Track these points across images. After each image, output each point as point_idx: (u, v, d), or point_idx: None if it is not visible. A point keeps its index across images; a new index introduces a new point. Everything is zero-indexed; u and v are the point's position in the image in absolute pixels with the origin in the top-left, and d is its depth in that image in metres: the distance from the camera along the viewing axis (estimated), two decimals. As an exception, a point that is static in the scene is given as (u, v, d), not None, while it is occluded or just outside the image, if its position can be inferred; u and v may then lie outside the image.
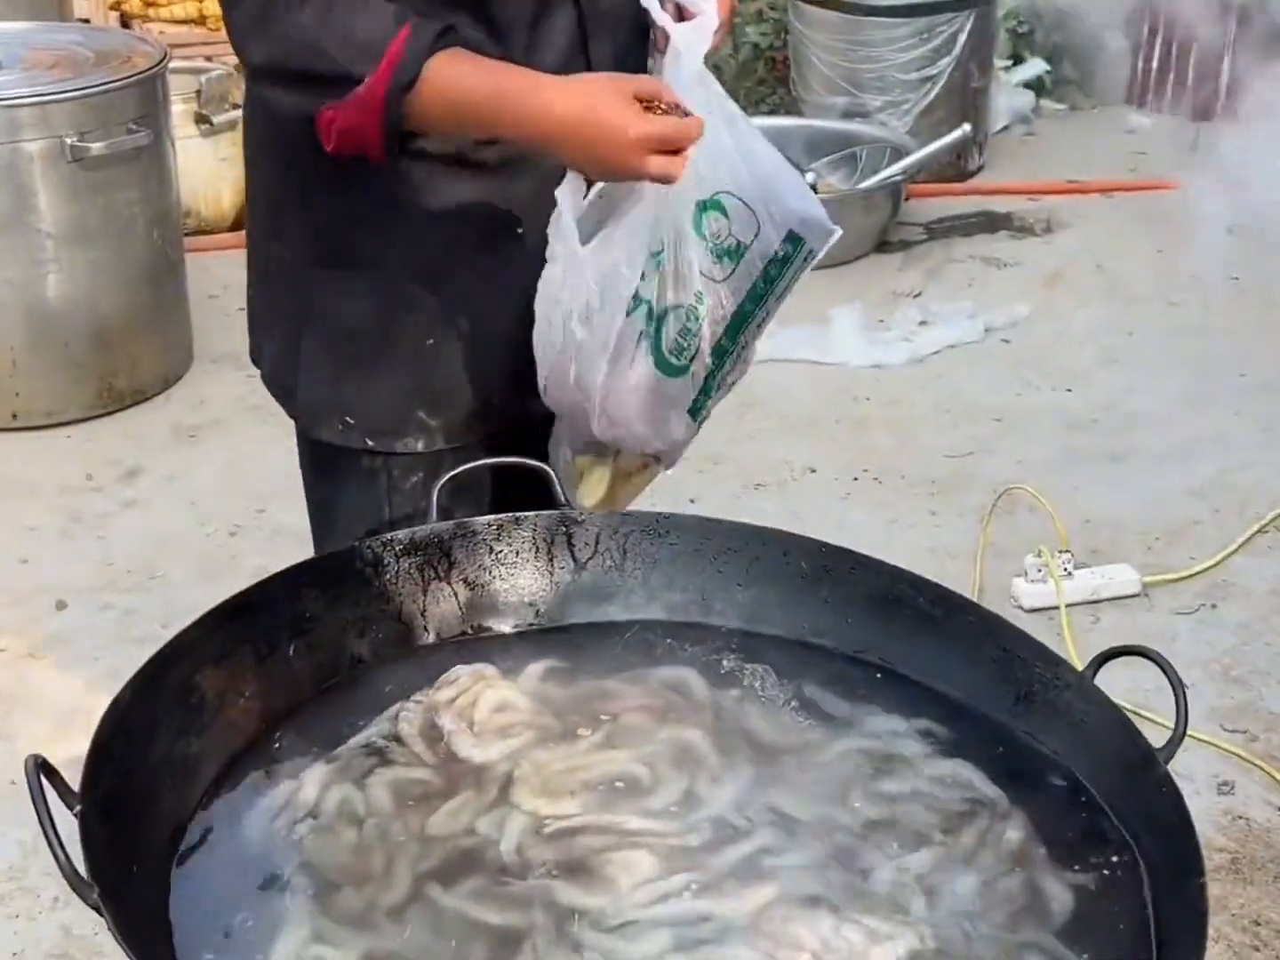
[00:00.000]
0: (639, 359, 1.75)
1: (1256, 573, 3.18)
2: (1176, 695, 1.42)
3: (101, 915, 1.19)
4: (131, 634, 3.07)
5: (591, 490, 1.92)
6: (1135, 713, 2.49)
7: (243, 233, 1.99)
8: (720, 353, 1.79)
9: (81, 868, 1.21)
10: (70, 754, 1.35)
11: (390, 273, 1.81)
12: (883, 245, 5.01)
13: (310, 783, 1.47)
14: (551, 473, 1.76)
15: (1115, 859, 1.39)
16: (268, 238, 1.88)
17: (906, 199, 5.13)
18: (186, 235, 4.35)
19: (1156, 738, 1.43)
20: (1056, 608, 3.00)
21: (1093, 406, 3.96)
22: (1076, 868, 1.39)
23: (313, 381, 1.87)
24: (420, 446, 1.86)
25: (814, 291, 4.66)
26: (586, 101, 1.58)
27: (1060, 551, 3.07)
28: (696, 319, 1.74)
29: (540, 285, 1.75)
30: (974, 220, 5.21)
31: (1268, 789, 2.56)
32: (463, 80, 1.59)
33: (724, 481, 3.68)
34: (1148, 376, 4.10)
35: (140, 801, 1.37)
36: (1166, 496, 3.50)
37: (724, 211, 1.69)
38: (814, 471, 3.72)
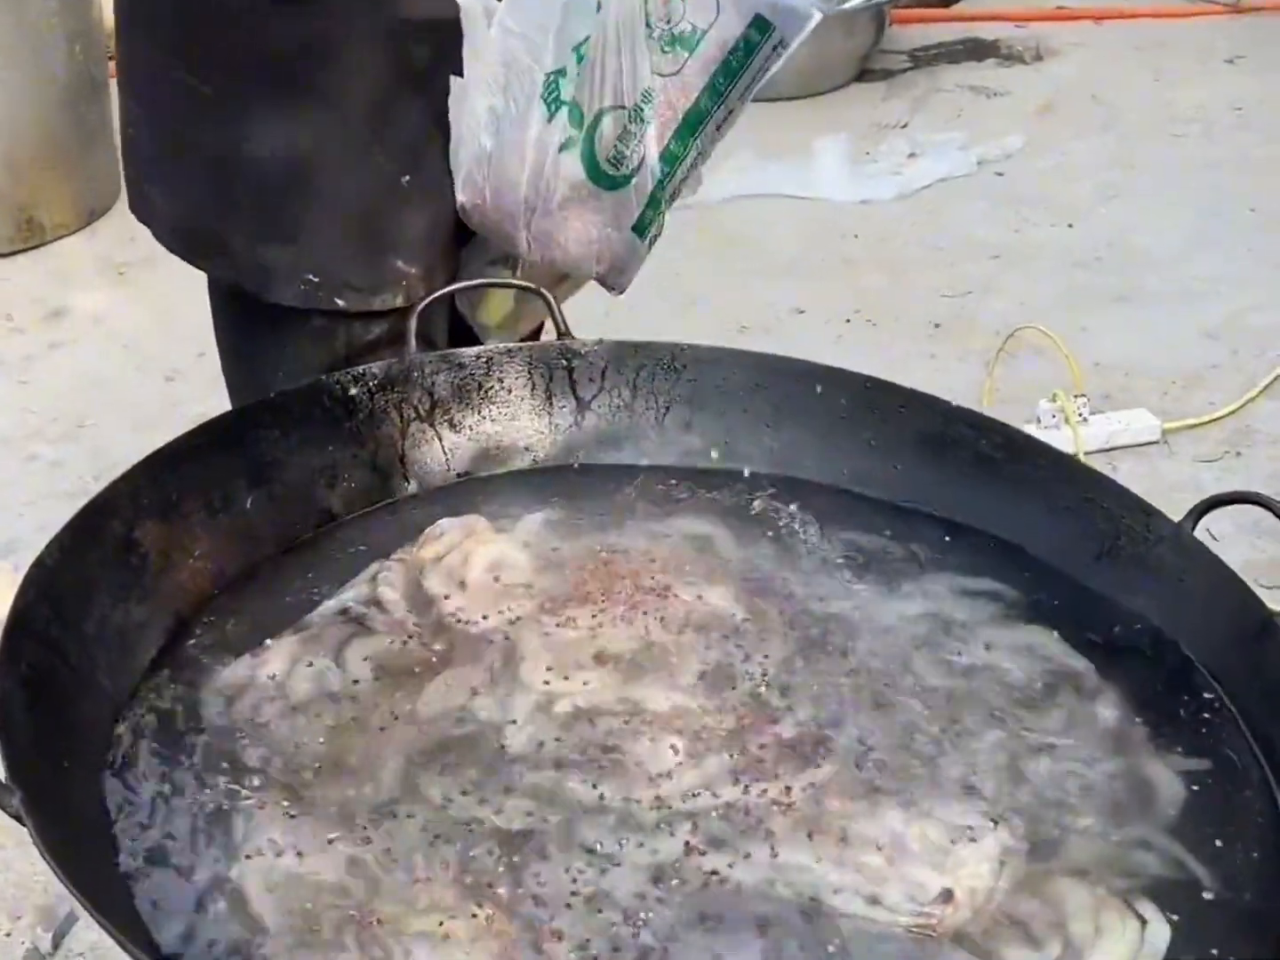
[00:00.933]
0: (565, 169, 1.49)
1: (1282, 418, 3.00)
2: (1301, 550, 1.21)
3: (24, 825, 0.99)
4: (60, 487, 2.87)
5: (495, 308, 1.68)
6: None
7: (119, 49, 1.67)
8: (670, 159, 1.52)
9: (-1, 767, 1.00)
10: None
11: (348, 102, 1.53)
12: (865, 74, 4.74)
13: (276, 657, 1.25)
14: (551, 297, 1.51)
15: (1230, 742, 1.18)
16: (175, 67, 1.56)
17: (889, 24, 4.84)
18: (112, 57, 4.01)
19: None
20: (1073, 455, 2.79)
21: (1096, 244, 3.74)
22: (1184, 751, 1.18)
23: (259, 236, 1.57)
24: (399, 301, 1.59)
25: (794, 122, 4.43)
26: None
27: (1076, 395, 2.86)
28: (640, 121, 1.47)
29: (452, 86, 1.49)
30: (960, 47, 4.94)
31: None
32: None
33: (705, 325, 3.44)
34: (1151, 212, 3.88)
35: (71, 682, 1.16)
36: (1180, 339, 3.30)
37: None
38: (802, 313, 3.49)
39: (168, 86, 1.57)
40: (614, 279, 1.61)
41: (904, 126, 4.39)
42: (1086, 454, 2.80)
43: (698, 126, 1.52)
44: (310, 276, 1.57)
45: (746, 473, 1.49)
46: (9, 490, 2.90)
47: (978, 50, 4.95)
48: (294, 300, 1.59)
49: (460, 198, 1.54)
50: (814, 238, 3.82)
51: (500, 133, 1.50)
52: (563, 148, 1.49)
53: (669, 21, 1.45)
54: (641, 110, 1.48)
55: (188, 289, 3.39)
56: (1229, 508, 1.34)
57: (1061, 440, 2.84)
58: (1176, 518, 1.32)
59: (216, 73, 1.54)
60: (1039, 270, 3.63)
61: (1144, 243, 3.74)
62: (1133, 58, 4.86)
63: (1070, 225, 3.84)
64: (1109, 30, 5.09)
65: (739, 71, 1.48)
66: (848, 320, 3.45)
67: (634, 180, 1.52)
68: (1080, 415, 2.85)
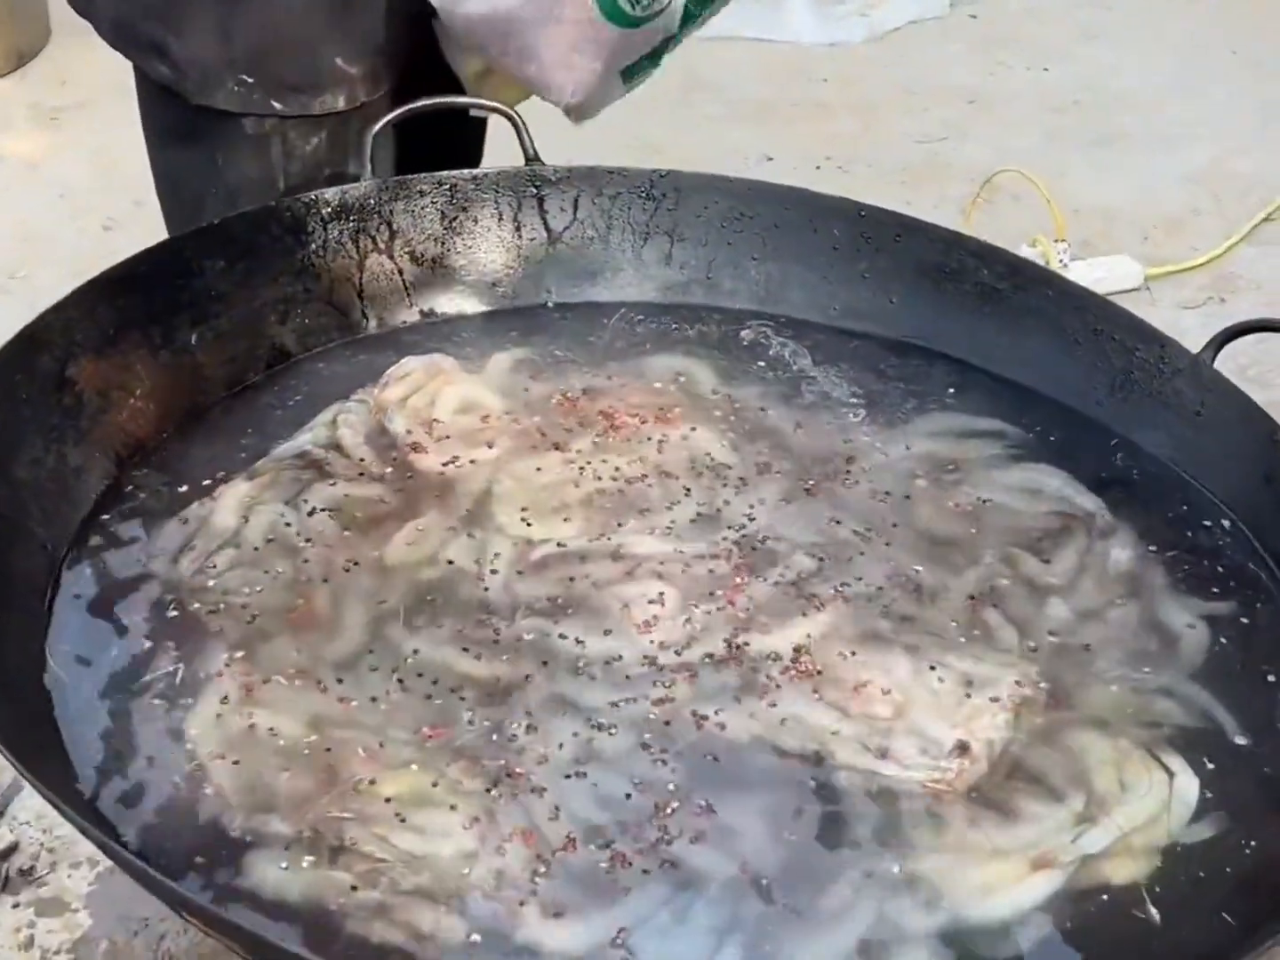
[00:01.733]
0: None
1: (1266, 262, 2.90)
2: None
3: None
4: (-6, 343, 2.69)
5: (499, 86, 1.51)
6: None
7: None
8: (688, 18, 1.42)
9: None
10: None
11: None
12: (832, -87, 4.53)
13: (228, 503, 1.15)
14: (517, 116, 1.39)
15: (1254, 585, 1.11)
16: None
17: None
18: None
19: None
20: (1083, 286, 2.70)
21: (1073, 87, 3.60)
22: (1205, 594, 1.11)
23: (192, 32, 1.44)
24: (341, 104, 1.46)
25: (761, -42, 4.25)
26: None
27: (1056, 240, 2.76)
28: None
29: None
30: (929, -116, 4.72)
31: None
32: None
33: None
34: (1130, 54, 3.75)
35: (2, 531, 1.04)
36: (1161, 183, 3.19)
37: None
38: (771, 160, 3.35)
39: None
40: (580, 112, 1.49)
41: (873, -34, 4.22)
42: (1067, 301, 2.71)
43: None
44: (244, 77, 1.44)
45: (732, 307, 1.39)
46: (-61, 344, 2.74)
47: (948, -114, 4.75)
48: (227, 103, 1.45)
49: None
50: (781, 82, 3.67)
51: None
52: None
53: None
54: None
55: (124, 134, 3.21)
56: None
57: (1042, 287, 2.75)
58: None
59: None
60: (1015, 114, 3.50)
61: (1122, 86, 3.61)
62: (1109, -105, 4.68)
63: (1046, 69, 3.70)
64: None
65: None
66: (818, 167, 3.32)
67: (649, 24, 1.40)
68: (1061, 260, 2.75)
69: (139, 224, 3.03)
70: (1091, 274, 2.78)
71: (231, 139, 1.48)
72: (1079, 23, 3.90)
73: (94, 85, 3.46)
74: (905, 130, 3.45)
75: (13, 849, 1.30)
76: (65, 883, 1.19)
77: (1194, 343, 2.74)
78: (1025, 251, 2.76)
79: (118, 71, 3.64)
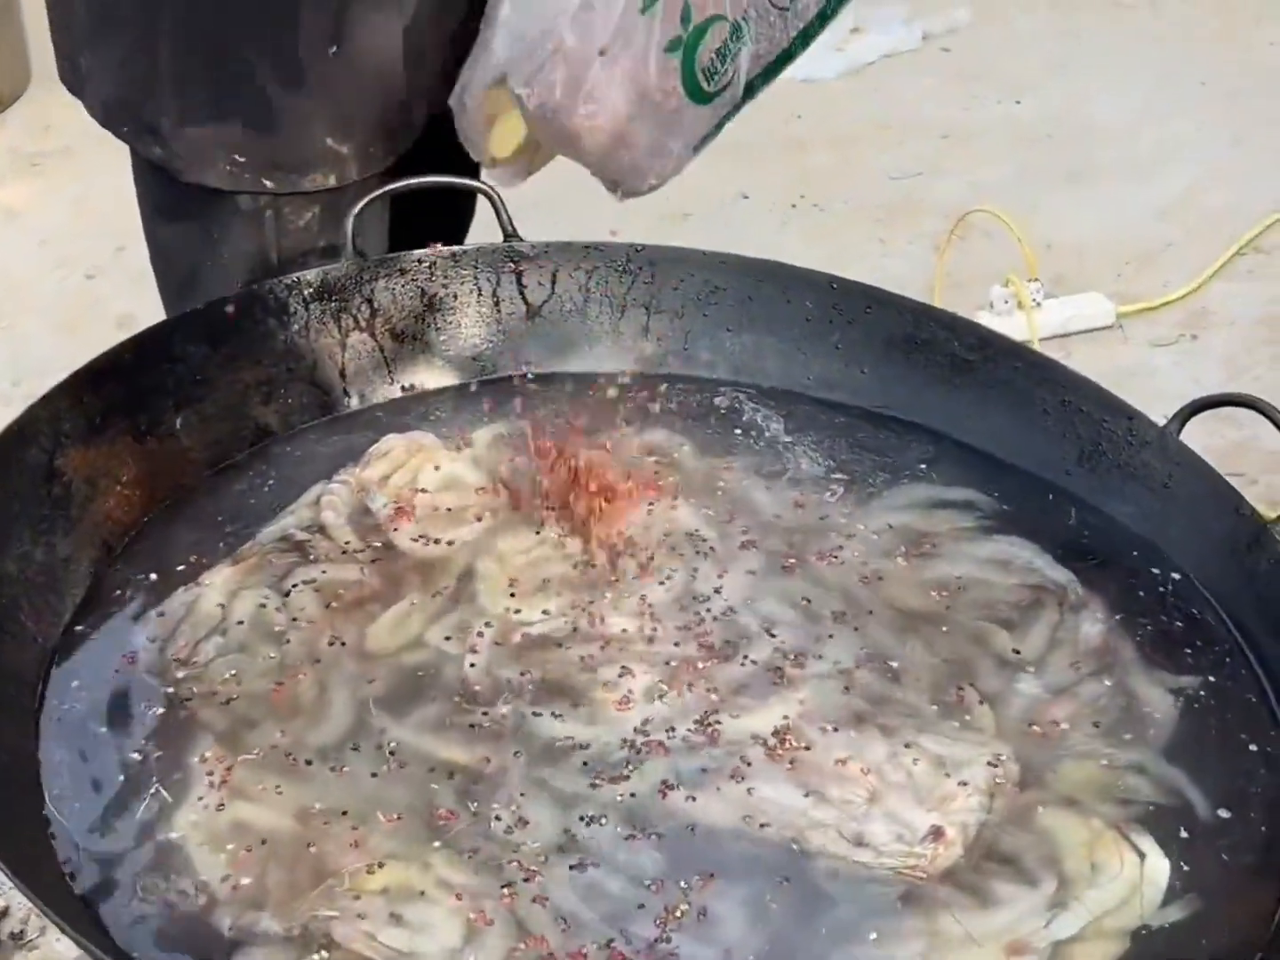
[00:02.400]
0: (663, 66, 1.35)
1: (1238, 299, 2.93)
2: (1296, 455, 1.15)
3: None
4: (-23, 393, 2.71)
5: (506, 137, 1.49)
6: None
7: None
8: (750, 90, 1.46)
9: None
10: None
11: None
12: (805, -54, 4.56)
13: (213, 589, 1.17)
14: (495, 194, 1.41)
15: (1225, 658, 1.13)
16: None
17: (829, -107, 4.66)
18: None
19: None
20: (1026, 342, 2.73)
21: (1045, 120, 3.64)
22: (1175, 668, 1.13)
23: (183, 113, 1.46)
24: (332, 181, 1.47)
25: (734, -5, 4.28)
26: None
27: (1029, 280, 2.79)
28: (738, 39, 1.38)
29: None
30: (901, -84, 4.77)
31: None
32: None
33: (645, 210, 3.28)
34: (1101, 86, 3.78)
35: (-7, 626, 1.06)
36: (1133, 217, 3.22)
37: None
38: (746, 198, 3.38)
39: None
40: (641, 187, 1.51)
41: None
42: (1041, 340, 2.73)
43: (782, 68, 1.47)
44: (236, 156, 1.46)
45: (709, 377, 1.41)
46: (-77, 397, 2.76)
47: (920, -82, 4.80)
48: (219, 181, 1.48)
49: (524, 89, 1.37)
50: (756, 118, 3.64)
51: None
52: (669, 48, 1.35)
53: None
54: (740, 29, 1.38)
55: (106, 181, 3.26)
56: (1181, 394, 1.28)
57: (1015, 326, 2.77)
58: (1135, 404, 1.26)
59: None
60: (988, 149, 3.53)
61: (1094, 119, 3.64)
62: (1078, -75, 4.73)
63: (1018, 101, 3.73)
64: (1053, -104, 4.95)
65: (829, 16, 1.45)
66: (793, 205, 3.35)
67: (721, 98, 1.42)
68: (1034, 300, 2.78)
69: (121, 271, 3.06)
70: (1064, 312, 2.82)
71: (225, 215, 1.50)
72: (1050, 55, 3.94)
73: (76, 131, 3.47)
74: (880, 166, 3.48)
75: (3, 914, 1.32)
76: (55, 947, 1.21)
77: (1167, 381, 2.78)
78: (998, 291, 2.80)
79: (98, 119, 3.59)
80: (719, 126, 1.48)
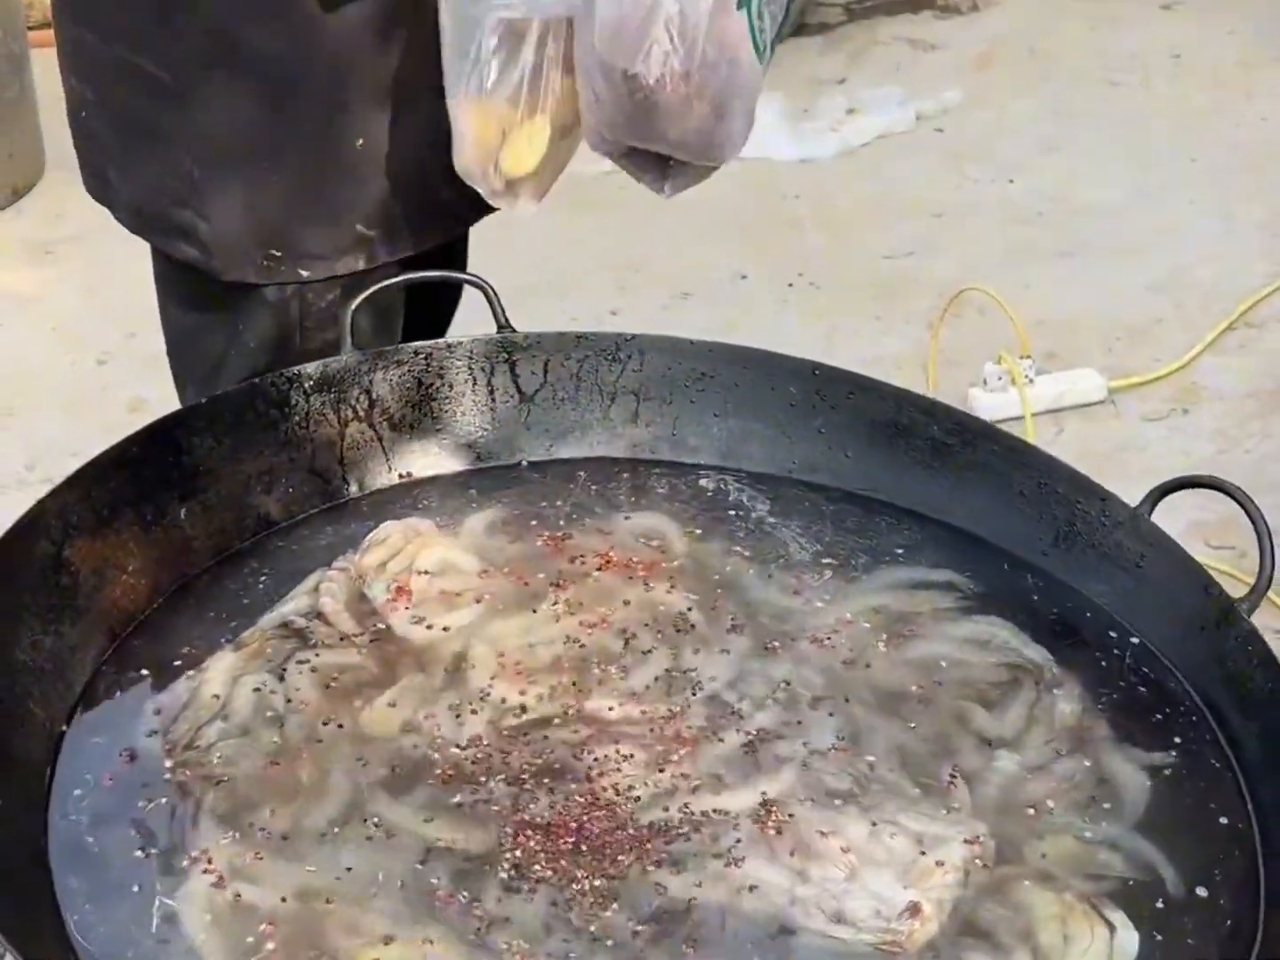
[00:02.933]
0: (739, 26, 1.36)
1: (1229, 373, 2.98)
2: (1260, 535, 1.19)
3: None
4: (-11, 477, 2.76)
5: (523, 153, 1.48)
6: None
7: (58, 35, 1.60)
8: (770, 51, 1.44)
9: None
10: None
11: (297, 68, 1.48)
12: (801, 28, 4.66)
13: (216, 675, 1.21)
14: (489, 287, 1.46)
15: (1194, 734, 1.17)
16: (128, 54, 1.51)
17: (825, -23, 4.78)
18: (33, 29, 3.90)
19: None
20: (1019, 418, 2.78)
21: (1037, 198, 3.71)
22: (1148, 745, 1.17)
23: (220, 215, 1.53)
24: (361, 264, 1.55)
25: (733, 79, 4.36)
26: None
27: (1021, 357, 2.84)
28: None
29: None
30: (896, -1, 4.88)
31: (1262, 610, 2.37)
32: None
33: (647, 291, 3.39)
34: (1092, 165, 3.85)
35: (1, 712, 1.10)
36: (1124, 294, 3.28)
37: None
38: (745, 278, 3.45)
39: (123, 73, 1.52)
40: (720, 159, 1.46)
41: (842, 82, 4.33)
42: (1034, 415, 2.78)
43: (783, 30, 1.46)
44: (272, 251, 1.54)
45: (696, 462, 1.46)
46: (-65, 485, 2.81)
47: (914, 1, 4.90)
48: (256, 276, 1.55)
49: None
50: (755, 198, 3.76)
51: None
52: (740, 4, 1.36)
53: None
54: None
55: (117, 268, 3.33)
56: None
57: (1008, 403, 2.83)
58: (1126, 479, 1.31)
59: (171, 58, 1.49)
60: (981, 227, 3.60)
61: (1085, 196, 3.71)
62: (1069, 5, 4.81)
63: (1011, 180, 3.80)
64: (1044, -23, 5.05)
65: None
66: (790, 284, 3.41)
67: (766, 57, 1.42)
68: (1027, 377, 2.83)
69: (131, 357, 3.12)
70: (1057, 388, 2.87)
71: (252, 305, 1.57)
72: (1042, 135, 4.01)
73: (88, 219, 3.52)
74: (875, 245, 3.55)
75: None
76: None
77: (1158, 455, 2.81)
78: (990, 369, 2.85)
79: (109, 207, 3.68)
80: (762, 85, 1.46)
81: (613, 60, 1.35)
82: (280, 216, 1.53)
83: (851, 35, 4.67)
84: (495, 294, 1.47)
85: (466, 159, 1.46)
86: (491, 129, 1.45)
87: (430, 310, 1.74)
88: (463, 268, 1.74)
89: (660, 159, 1.46)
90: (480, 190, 1.47)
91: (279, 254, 1.54)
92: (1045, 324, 3.17)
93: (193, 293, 1.62)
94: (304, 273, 1.55)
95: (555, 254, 3.00)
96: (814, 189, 3.82)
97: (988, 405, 2.82)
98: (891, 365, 3.08)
